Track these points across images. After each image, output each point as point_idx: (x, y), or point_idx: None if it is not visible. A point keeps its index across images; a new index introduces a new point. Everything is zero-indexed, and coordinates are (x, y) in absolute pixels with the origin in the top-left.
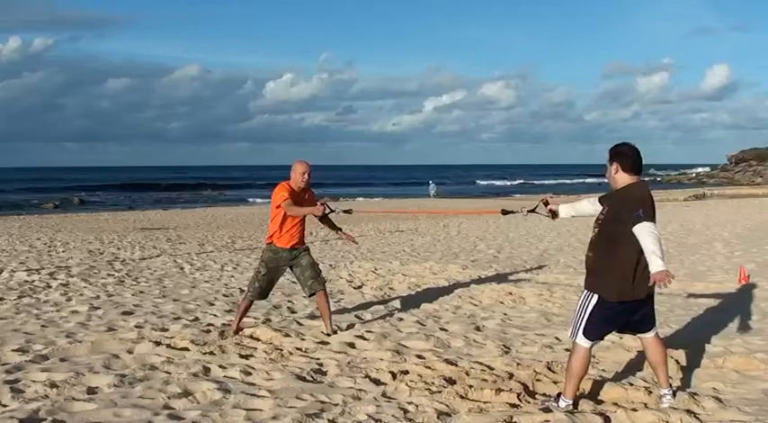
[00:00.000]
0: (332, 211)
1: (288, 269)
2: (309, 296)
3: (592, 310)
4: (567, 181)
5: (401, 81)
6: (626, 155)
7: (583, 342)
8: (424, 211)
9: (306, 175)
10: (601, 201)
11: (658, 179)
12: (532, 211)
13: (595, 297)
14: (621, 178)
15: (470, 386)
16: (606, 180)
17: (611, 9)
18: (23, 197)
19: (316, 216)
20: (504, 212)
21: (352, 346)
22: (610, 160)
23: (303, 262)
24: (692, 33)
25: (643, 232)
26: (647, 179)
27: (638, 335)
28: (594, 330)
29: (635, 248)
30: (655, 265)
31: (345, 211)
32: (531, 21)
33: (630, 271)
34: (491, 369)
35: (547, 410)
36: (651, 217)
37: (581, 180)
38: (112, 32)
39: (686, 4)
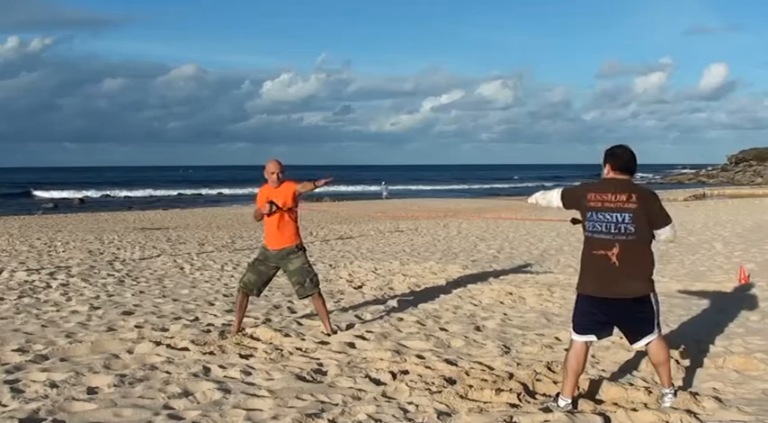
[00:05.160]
0: (278, 208)
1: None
2: (300, 299)
3: (575, 304)
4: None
5: (399, 81)
6: (619, 156)
7: (574, 336)
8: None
9: (274, 175)
10: None
11: (657, 180)
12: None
13: (576, 293)
14: (610, 177)
15: (470, 386)
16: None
17: (608, 9)
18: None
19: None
20: (575, 222)
21: (352, 346)
22: (604, 161)
23: (290, 267)
24: (690, 33)
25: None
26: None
27: (633, 346)
28: (579, 324)
29: (587, 244)
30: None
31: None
32: (528, 20)
33: (584, 265)
34: (491, 369)
35: (547, 410)
36: (566, 192)
37: (568, 183)
38: (110, 32)
39: (683, 3)
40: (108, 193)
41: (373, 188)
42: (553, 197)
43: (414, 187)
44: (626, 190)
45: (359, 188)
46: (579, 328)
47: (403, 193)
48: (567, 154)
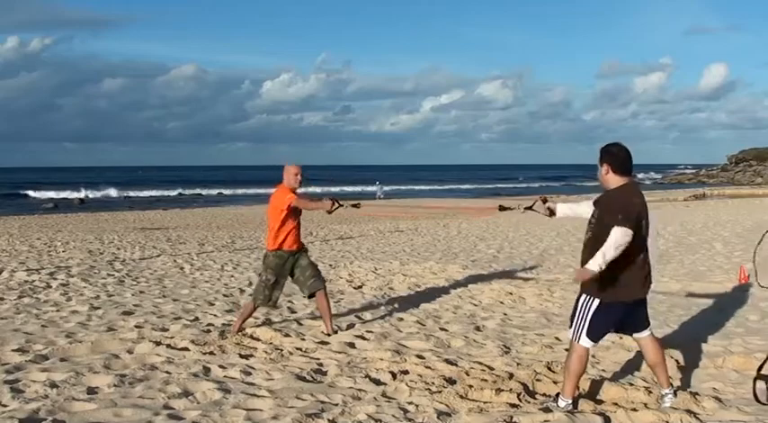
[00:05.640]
0: (340, 205)
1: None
2: (309, 297)
3: (594, 313)
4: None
5: (399, 81)
6: (616, 155)
7: (586, 343)
8: (424, 205)
9: (299, 176)
10: (594, 203)
11: (658, 179)
12: (530, 208)
13: (597, 300)
14: (612, 179)
15: (470, 386)
16: (598, 182)
17: (608, 9)
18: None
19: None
20: (502, 209)
21: (352, 346)
22: (600, 161)
23: (303, 262)
24: (690, 33)
25: (612, 234)
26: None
27: (634, 335)
28: (597, 332)
29: (639, 251)
30: (591, 263)
31: (354, 205)
32: (528, 20)
33: (623, 272)
34: (491, 369)
35: (547, 410)
36: (629, 222)
37: (571, 183)
38: (110, 32)
39: (683, 3)
40: (108, 193)
41: (373, 188)
42: (620, 243)
43: (414, 187)
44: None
45: (358, 188)
46: (594, 336)
47: (404, 193)
48: (567, 154)
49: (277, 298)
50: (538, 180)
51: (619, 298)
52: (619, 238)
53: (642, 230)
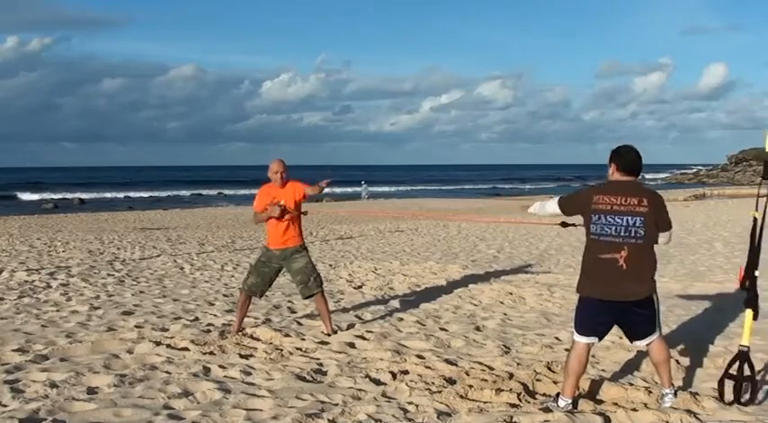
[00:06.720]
0: (284, 211)
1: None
2: (304, 298)
3: (577, 306)
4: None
5: (398, 81)
6: (623, 156)
7: (577, 337)
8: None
9: (277, 174)
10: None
11: (659, 179)
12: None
13: (578, 294)
14: (616, 178)
15: (470, 386)
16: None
17: (608, 9)
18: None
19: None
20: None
21: (352, 346)
22: (609, 161)
23: (294, 267)
24: (689, 33)
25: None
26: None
27: (635, 343)
28: (582, 326)
29: (592, 246)
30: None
31: (302, 213)
32: (527, 20)
33: (588, 267)
34: (491, 369)
35: (547, 410)
36: (566, 197)
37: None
38: (110, 32)
39: (683, 3)
40: (108, 193)
41: (375, 188)
42: (549, 207)
43: (414, 187)
44: (637, 193)
45: (358, 189)
46: (582, 330)
47: (407, 193)
48: (567, 154)
49: (253, 284)
50: (550, 181)
51: (588, 293)
52: (551, 202)
53: (603, 228)
